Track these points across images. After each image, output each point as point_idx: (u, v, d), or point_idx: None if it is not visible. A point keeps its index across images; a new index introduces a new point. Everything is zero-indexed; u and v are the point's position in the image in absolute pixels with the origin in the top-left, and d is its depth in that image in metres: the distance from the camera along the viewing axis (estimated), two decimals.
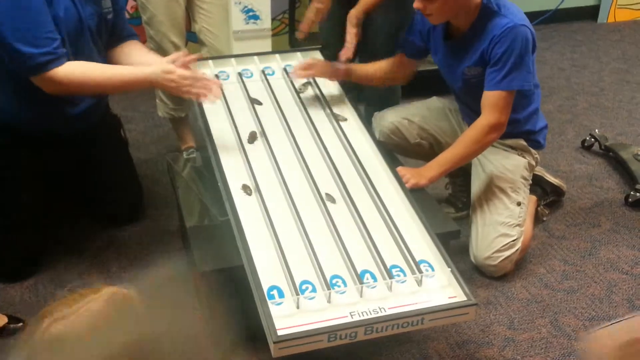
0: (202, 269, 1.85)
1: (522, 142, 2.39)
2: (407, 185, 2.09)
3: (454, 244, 2.12)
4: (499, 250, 2.27)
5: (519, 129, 2.36)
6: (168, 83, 2.03)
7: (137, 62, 2.21)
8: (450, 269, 1.79)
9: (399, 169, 2.16)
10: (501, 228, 2.29)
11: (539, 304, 2.23)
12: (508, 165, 2.35)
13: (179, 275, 1.18)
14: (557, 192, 2.72)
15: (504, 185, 2.33)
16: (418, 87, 2.73)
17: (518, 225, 2.32)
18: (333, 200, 1.98)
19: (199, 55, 2.24)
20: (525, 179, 2.38)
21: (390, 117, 2.46)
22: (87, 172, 2.39)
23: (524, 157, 2.38)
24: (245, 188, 1.98)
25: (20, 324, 2.04)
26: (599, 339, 1.06)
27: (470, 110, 2.34)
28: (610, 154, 3.04)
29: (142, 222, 2.56)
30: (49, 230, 2.41)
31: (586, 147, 3.14)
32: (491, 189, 2.34)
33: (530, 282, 2.33)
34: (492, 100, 2.18)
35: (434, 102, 2.55)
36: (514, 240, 2.29)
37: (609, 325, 1.11)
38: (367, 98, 2.79)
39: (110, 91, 2.29)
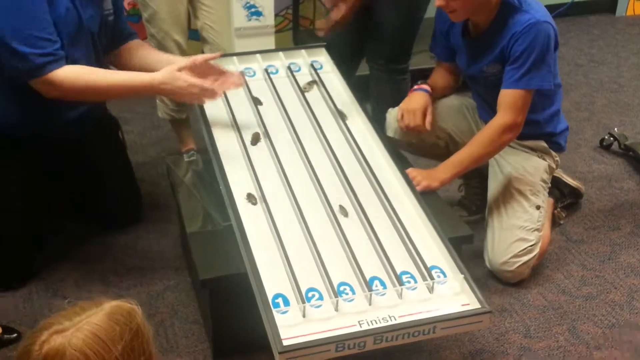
0: (204, 277, 1.80)
1: (543, 144, 2.33)
2: (418, 188, 2.04)
3: (466, 249, 2.08)
4: (516, 256, 2.21)
5: (539, 131, 2.31)
6: (173, 90, 2.01)
7: (147, 62, 2.18)
8: (463, 275, 1.74)
9: (409, 170, 2.10)
10: (519, 232, 2.22)
11: (556, 311, 2.18)
12: (528, 167, 2.30)
13: None
14: (575, 194, 2.66)
15: (523, 187, 2.27)
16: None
17: (537, 229, 2.25)
18: (345, 214, 1.91)
19: (217, 54, 2.21)
20: (545, 182, 2.32)
21: None
22: (84, 176, 2.35)
23: (544, 159, 2.33)
24: (250, 197, 1.93)
25: (15, 334, 2.00)
26: None
27: (490, 109, 2.28)
28: (631, 153, 2.98)
29: (140, 227, 2.52)
30: (44, 237, 2.36)
31: (605, 146, 3.08)
32: (509, 191, 2.28)
33: (547, 288, 2.27)
34: (509, 99, 2.13)
35: (451, 99, 2.49)
36: (532, 245, 2.23)
37: None
38: (374, 96, 2.73)
39: (112, 97, 2.26)
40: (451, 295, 1.72)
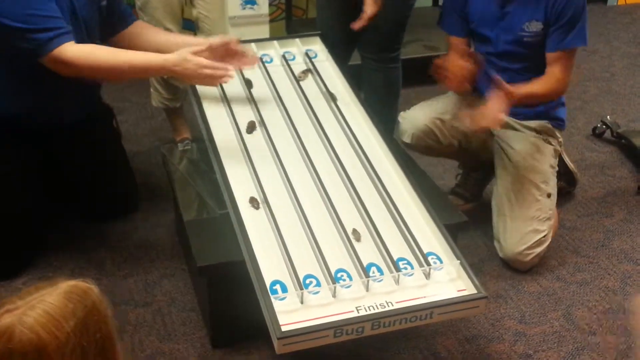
0: (201, 264, 1.80)
1: (547, 125, 2.31)
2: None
3: (462, 236, 2.08)
4: (530, 247, 2.23)
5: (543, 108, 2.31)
6: (185, 72, 1.98)
7: (156, 44, 2.16)
8: (459, 261, 1.75)
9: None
10: (532, 223, 2.23)
11: (550, 297, 2.19)
12: (536, 154, 2.28)
13: None
14: (569, 178, 2.66)
15: (534, 176, 2.26)
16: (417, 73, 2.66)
17: (548, 219, 2.26)
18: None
19: (235, 39, 2.18)
20: (553, 167, 2.32)
21: (422, 118, 2.34)
22: (80, 165, 2.34)
23: (550, 143, 2.31)
24: (253, 201, 1.89)
25: None
26: None
27: (503, 79, 2.22)
28: (623, 141, 3.00)
29: (136, 216, 2.51)
30: (40, 227, 2.35)
31: (597, 134, 3.09)
32: (519, 180, 2.26)
33: (542, 274, 2.28)
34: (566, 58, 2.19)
35: (457, 96, 2.41)
36: (544, 236, 2.25)
37: None
38: (366, 85, 2.72)
39: (123, 76, 2.24)
40: (447, 281, 1.72)
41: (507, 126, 2.32)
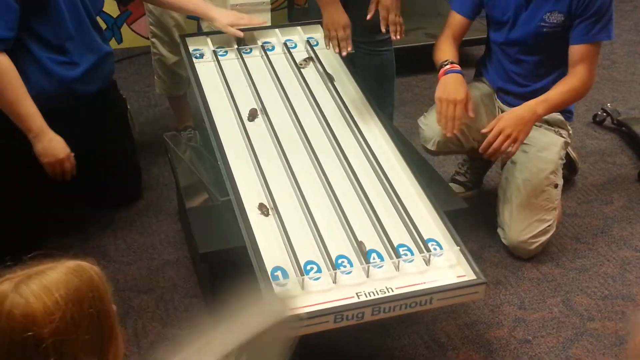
0: (203, 250, 1.82)
1: (558, 116, 2.29)
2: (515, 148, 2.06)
3: (462, 222, 2.05)
4: (535, 236, 2.23)
5: None
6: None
7: None
8: (459, 248, 1.75)
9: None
10: (538, 212, 2.23)
11: (550, 283, 2.20)
12: (547, 144, 2.27)
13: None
14: (570, 167, 2.66)
15: (543, 166, 2.25)
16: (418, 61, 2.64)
17: (554, 208, 2.27)
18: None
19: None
20: (562, 159, 2.31)
21: None
22: (88, 154, 2.32)
23: (560, 135, 2.30)
24: (261, 207, 1.86)
25: None
26: None
27: (517, 71, 2.23)
28: (623, 128, 3.00)
29: (139, 204, 2.52)
30: (44, 214, 2.36)
31: (598, 122, 3.09)
32: (529, 170, 2.25)
33: (541, 260, 2.29)
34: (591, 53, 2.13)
35: (472, 90, 2.30)
36: (549, 226, 2.25)
37: None
38: (359, 69, 2.69)
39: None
40: (447, 267, 1.73)
41: None
